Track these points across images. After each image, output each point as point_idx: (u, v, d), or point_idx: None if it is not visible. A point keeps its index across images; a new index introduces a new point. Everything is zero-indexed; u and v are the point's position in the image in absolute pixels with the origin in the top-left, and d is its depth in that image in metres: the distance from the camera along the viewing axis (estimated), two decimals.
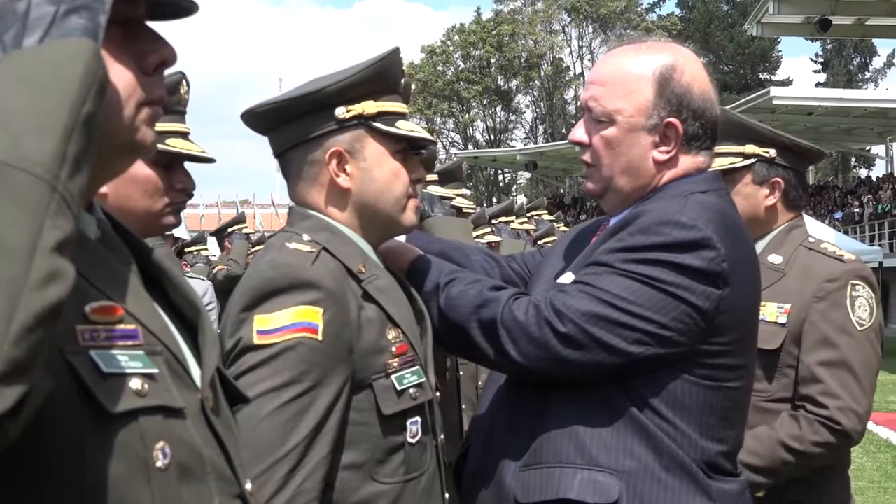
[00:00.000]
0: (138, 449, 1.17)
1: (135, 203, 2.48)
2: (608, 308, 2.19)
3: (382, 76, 2.35)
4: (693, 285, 2.18)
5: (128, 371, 1.19)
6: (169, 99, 2.70)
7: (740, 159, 3.54)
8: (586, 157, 2.44)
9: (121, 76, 1.27)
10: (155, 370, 1.23)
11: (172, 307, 1.44)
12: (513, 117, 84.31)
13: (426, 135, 2.45)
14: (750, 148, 3.56)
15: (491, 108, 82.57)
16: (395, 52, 2.39)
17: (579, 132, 2.43)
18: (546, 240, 9.16)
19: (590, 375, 2.24)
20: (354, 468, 2.17)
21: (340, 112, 2.31)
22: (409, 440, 2.26)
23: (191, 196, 2.70)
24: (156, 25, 1.36)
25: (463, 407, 4.93)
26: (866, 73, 76.14)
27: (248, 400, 1.64)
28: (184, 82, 2.74)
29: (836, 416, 3.19)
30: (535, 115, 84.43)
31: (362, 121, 2.33)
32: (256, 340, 2.10)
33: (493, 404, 2.51)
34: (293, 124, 2.35)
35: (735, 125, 3.52)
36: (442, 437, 2.46)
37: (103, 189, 2.50)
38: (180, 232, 8.01)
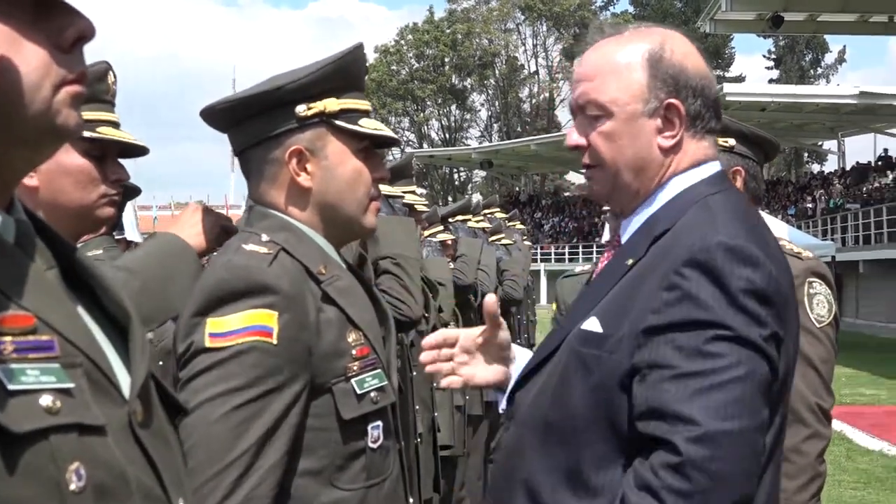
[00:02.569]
0: (49, 471, 1.08)
1: (67, 195, 2.43)
2: (717, 394, 1.82)
3: (344, 73, 2.30)
4: (761, 314, 1.88)
5: (37, 387, 1.09)
6: (96, 87, 2.64)
7: None
8: (586, 158, 2.22)
9: (32, 56, 1.17)
10: (71, 385, 1.13)
11: (106, 313, 1.34)
12: (467, 116, 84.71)
13: (390, 133, 2.39)
14: None
15: (445, 106, 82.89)
16: (358, 49, 2.34)
17: (574, 136, 2.22)
18: (495, 237, 9.17)
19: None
20: (312, 474, 2.11)
21: (301, 109, 2.24)
22: (371, 445, 2.20)
23: (137, 193, 2.61)
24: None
25: (416, 408, 4.89)
26: (818, 69, 77.17)
27: (188, 411, 1.54)
28: (110, 73, 2.67)
29: (805, 416, 3.22)
30: (490, 113, 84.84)
31: (324, 118, 2.26)
32: (208, 343, 2.04)
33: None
34: (253, 122, 2.29)
35: None
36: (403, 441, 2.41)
37: (33, 182, 2.43)
38: (132, 235, 7.89)
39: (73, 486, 1.09)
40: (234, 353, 2.02)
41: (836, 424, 13.65)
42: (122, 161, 2.65)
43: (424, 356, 2.35)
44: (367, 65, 2.43)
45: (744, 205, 2.15)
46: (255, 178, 2.34)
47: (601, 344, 1.97)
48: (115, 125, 2.62)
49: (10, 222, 1.24)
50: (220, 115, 2.34)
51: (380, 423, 2.24)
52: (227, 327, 2.04)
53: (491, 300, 2.33)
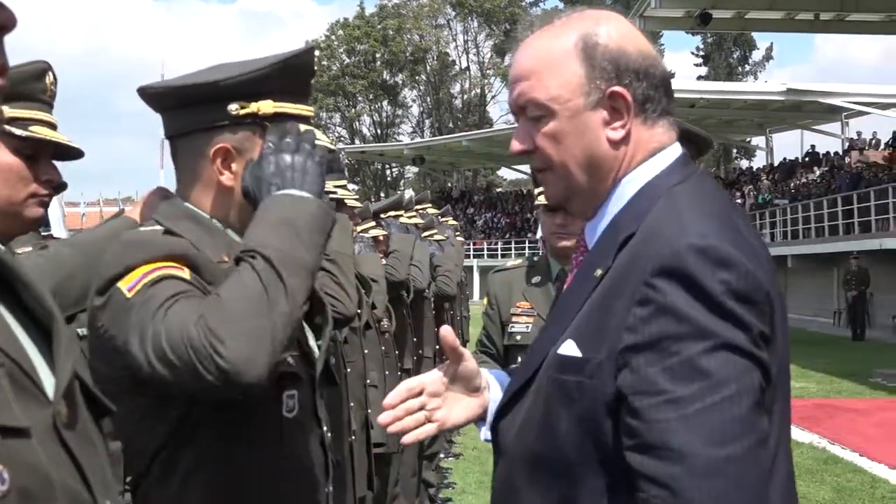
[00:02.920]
0: None
1: None
2: (713, 460, 1.65)
3: (285, 76, 2.24)
4: (744, 315, 1.73)
5: None
6: (33, 86, 2.60)
7: None
8: (535, 162, 2.07)
9: None
10: None
11: (28, 313, 1.30)
12: (399, 112, 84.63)
13: (324, 142, 2.36)
14: None
15: (377, 102, 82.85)
16: (305, 53, 2.29)
17: (517, 141, 2.07)
18: (427, 233, 9.15)
19: None
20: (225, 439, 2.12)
21: (234, 108, 2.19)
22: (286, 414, 2.22)
23: (63, 189, 2.61)
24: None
25: (351, 405, 4.85)
26: (746, 66, 78.36)
27: (112, 412, 1.45)
28: (49, 73, 2.65)
29: None
30: (422, 109, 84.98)
31: (256, 120, 2.22)
32: (128, 295, 1.98)
33: None
34: (186, 111, 2.24)
35: None
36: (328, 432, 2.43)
37: None
38: (59, 231, 7.82)
39: None
40: (151, 283, 1.98)
41: None
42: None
43: (383, 417, 2.11)
44: (315, 69, 2.34)
45: (711, 190, 1.99)
46: (180, 167, 2.32)
47: (581, 369, 1.83)
48: (52, 126, 2.60)
49: None
50: (155, 98, 2.31)
51: (295, 392, 2.23)
52: (138, 275, 2.00)
53: (448, 332, 2.13)
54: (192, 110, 2.24)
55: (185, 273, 2.03)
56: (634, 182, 1.98)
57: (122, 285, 1.99)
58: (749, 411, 1.67)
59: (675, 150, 2.03)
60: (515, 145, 2.06)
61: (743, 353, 1.68)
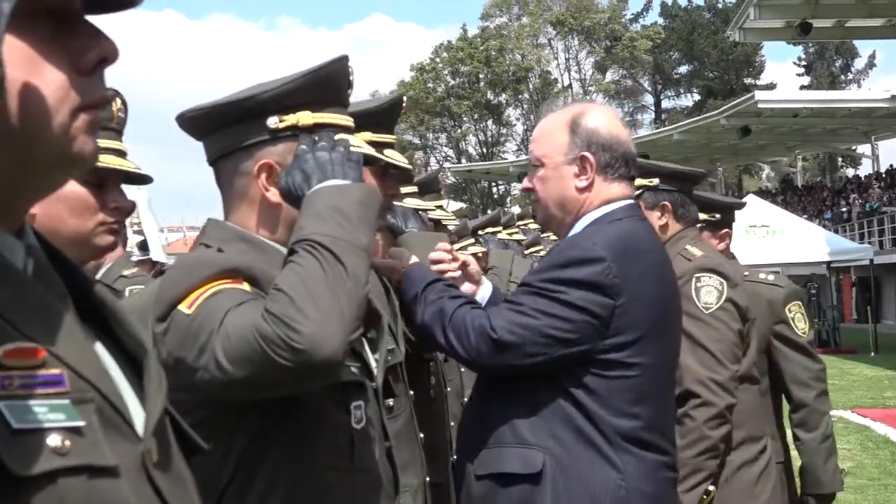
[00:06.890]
0: None
1: (63, 223, 2.33)
2: (526, 318, 2.78)
3: (323, 86, 2.23)
4: (588, 296, 2.76)
5: (46, 425, 1.00)
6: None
7: None
8: (534, 196, 3.10)
9: (51, 78, 1.08)
10: (81, 423, 1.04)
11: (120, 345, 1.25)
12: (504, 130, 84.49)
13: (369, 150, 2.45)
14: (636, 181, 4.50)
15: (482, 122, 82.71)
16: (339, 62, 2.27)
17: (525, 181, 3.11)
18: (533, 249, 9.09)
19: (521, 371, 2.83)
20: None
21: (273, 122, 2.18)
22: (355, 426, 2.22)
23: (127, 215, 2.62)
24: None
25: (452, 424, 4.93)
26: (849, 74, 76.38)
27: (204, 450, 1.39)
28: (117, 100, 2.65)
29: (695, 389, 3.69)
30: (526, 127, 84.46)
31: (297, 132, 2.18)
32: (189, 312, 1.96)
33: (469, 410, 3.19)
34: (225, 131, 2.23)
35: None
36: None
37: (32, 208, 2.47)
38: (157, 255, 8.09)
39: None
40: (211, 296, 1.96)
41: (881, 428, 13.76)
42: (133, 186, 2.66)
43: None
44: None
45: (634, 229, 2.92)
46: (225, 190, 2.30)
47: None
48: (121, 153, 2.58)
49: (20, 248, 1.16)
50: (193, 123, 2.29)
51: (361, 403, 2.22)
52: (197, 294, 1.97)
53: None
54: (231, 129, 2.21)
55: (245, 286, 2.00)
56: (590, 216, 2.96)
57: (182, 306, 1.96)
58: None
59: (626, 202, 3.00)
60: (524, 184, 3.15)
61: (577, 309, 2.79)
